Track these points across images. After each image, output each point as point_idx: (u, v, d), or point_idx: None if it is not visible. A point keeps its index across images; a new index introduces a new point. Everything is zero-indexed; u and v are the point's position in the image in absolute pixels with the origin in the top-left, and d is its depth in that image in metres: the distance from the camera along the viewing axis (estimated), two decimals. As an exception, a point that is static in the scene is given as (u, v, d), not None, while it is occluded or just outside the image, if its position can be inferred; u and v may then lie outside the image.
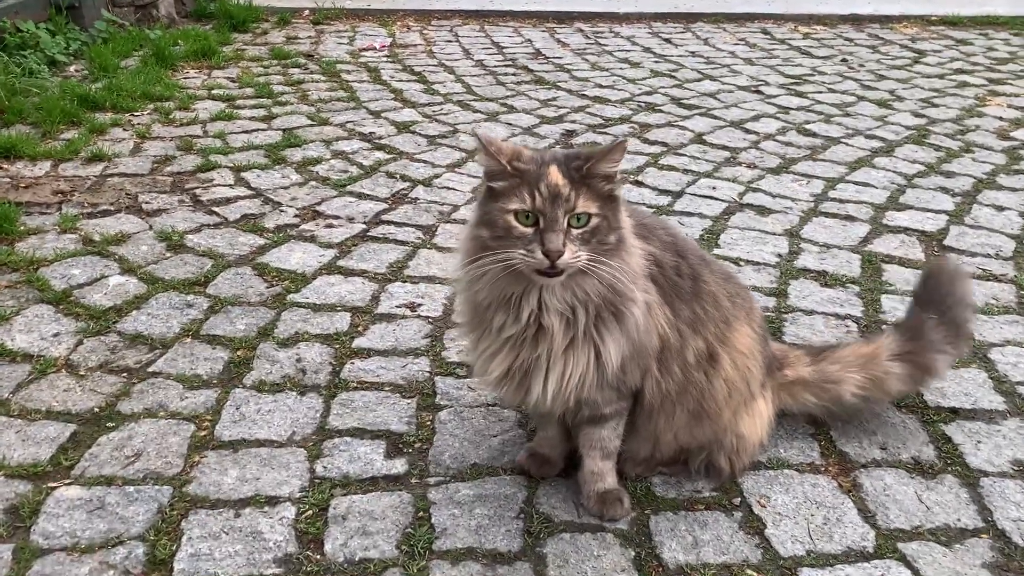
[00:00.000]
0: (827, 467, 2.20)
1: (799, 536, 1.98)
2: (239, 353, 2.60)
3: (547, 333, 1.77)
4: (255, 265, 3.10)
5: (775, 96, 5.17)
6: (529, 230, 1.67)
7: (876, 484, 2.14)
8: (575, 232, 1.67)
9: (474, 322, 1.88)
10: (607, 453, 2.01)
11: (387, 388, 2.46)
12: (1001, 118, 4.81)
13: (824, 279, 3.06)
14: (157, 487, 2.09)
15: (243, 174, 3.87)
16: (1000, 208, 3.65)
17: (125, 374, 2.50)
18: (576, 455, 2.11)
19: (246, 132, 4.37)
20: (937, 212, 3.61)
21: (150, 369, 2.53)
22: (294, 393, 2.43)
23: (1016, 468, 2.19)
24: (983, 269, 3.16)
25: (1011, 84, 5.48)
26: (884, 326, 2.69)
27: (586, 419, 1.95)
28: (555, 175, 1.67)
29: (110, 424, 2.30)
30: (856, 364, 2.22)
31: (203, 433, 2.28)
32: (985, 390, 2.47)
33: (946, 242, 3.36)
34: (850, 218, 3.55)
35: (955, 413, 2.38)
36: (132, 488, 2.08)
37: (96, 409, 2.36)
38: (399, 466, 2.17)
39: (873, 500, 2.09)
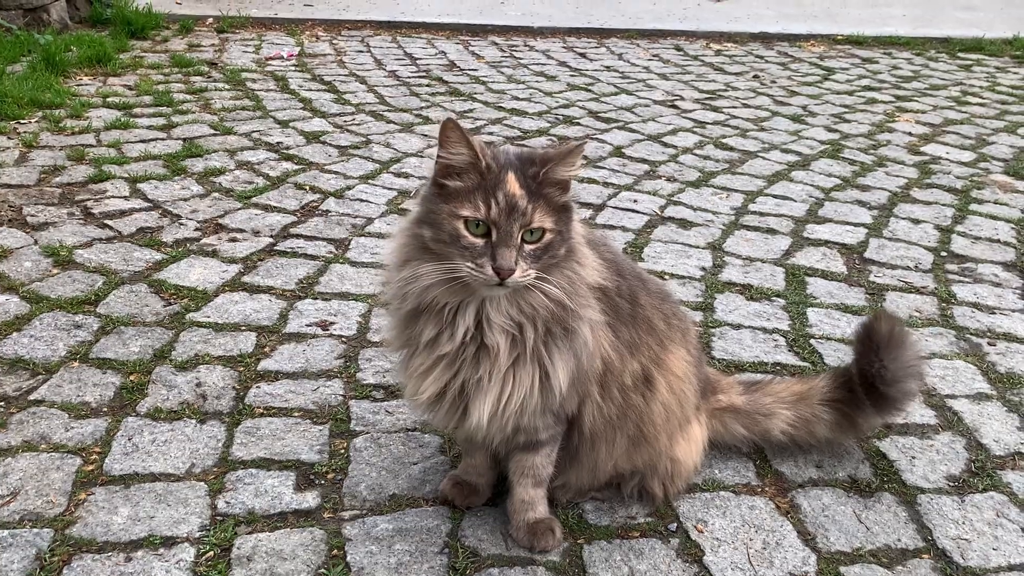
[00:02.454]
0: (763, 488, 2.11)
1: (739, 563, 1.87)
2: (132, 378, 2.38)
3: (490, 352, 1.63)
4: (151, 282, 2.87)
5: (691, 111, 5.15)
6: (479, 241, 1.53)
7: (814, 504, 2.05)
8: (527, 248, 1.54)
9: (404, 335, 1.72)
10: (539, 480, 1.88)
11: (296, 414, 2.27)
12: (911, 133, 4.89)
13: (749, 292, 3.00)
14: (36, 530, 1.86)
15: (139, 185, 3.62)
16: (916, 221, 3.67)
17: (2, 403, 2.26)
18: (503, 482, 1.97)
19: (143, 142, 4.12)
20: (856, 225, 3.61)
21: (32, 397, 2.29)
22: (193, 421, 2.23)
23: (951, 484, 2.14)
24: (904, 282, 3.14)
25: (917, 101, 5.59)
26: (820, 369, 2.61)
27: (520, 445, 1.81)
28: (513, 184, 1.52)
29: (-18, 460, 2.06)
30: (788, 400, 2.15)
31: (90, 467, 2.05)
32: (915, 404, 2.42)
33: (866, 255, 3.35)
34: (771, 231, 3.51)
35: (888, 428, 2.33)
36: (6, 532, 1.85)
37: (-34, 444, 2.11)
38: (310, 499, 1.99)
39: (812, 522, 2.00)
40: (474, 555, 1.86)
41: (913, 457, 2.23)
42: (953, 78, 6.30)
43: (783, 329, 2.78)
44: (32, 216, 3.29)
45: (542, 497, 1.90)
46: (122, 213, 3.36)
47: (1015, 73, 6.57)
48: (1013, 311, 2.97)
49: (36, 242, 3.09)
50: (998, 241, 3.52)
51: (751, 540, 1.94)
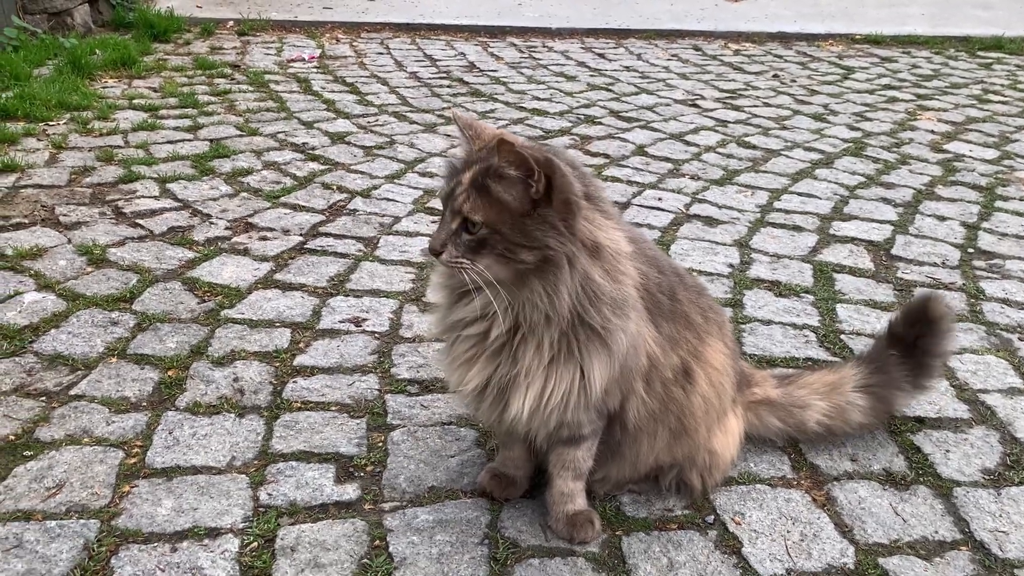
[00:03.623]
0: (799, 481, 2.12)
1: (777, 554, 1.88)
2: (170, 373, 2.41)
3: (526, 346, 1.65)
4: (185, 280, 2.90)
5: (712, 109, 5.16)
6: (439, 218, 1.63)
7: (850, 497, 2.06)
8: (465, 237, 1.56)
9: (443, 322, 1.75)
10: (579, 474, 1.89)
11: (334, 408, 2.30)
12: (933, 131, 4.88)
13: (778, 289, 3.01)
14: (83, 521, 1.89)
15: (169, 185, 3.65)
16: (942, 218, 3.67)
17: (44, 398, 2.29)
18: (540, 474, 1.99)
19: (171, 143, 4.16)
20: (881, 222, 3.61)
21: (72, 392, 2.32)
22: (232, 415, 2.25)
23: (987, 477, 2.15)
24: (932, 278, 3.15)
25: (938, 100, 5.58)
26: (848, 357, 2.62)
27: (563, 439, 1.83)
28: (467, 174, 1.57)
29: (27, 453, 2.09)
30: (822, 391, 2.17)
31: (133, 460, 2.08)
32: (948, 398, 2.43)
33: (893, 251, 3.35)
34: (797, 228, 3.52)
35: (921, 423, 2.33)
36: (54, 523, 1.88)
37: (12, 437, 2.14)
38: (351, 491, 2.01)
39: (849, 514, 2.01)
40: (514, 546, 1.88)
41: (947, 451, 2.23)
42: (974, 76, 6.29)
43: (813, 325, 2.79)
44: (64, 216, 3.33)
45: (581, 490, 1.92)
46: (153, 213, 3.40)
47: (1036, 71, 6.55)
48: (1043, 307, 2.96)
49: (70, 241, 3.13)
50: (1025, 238, 3.51)
51: (789, 532, 1.95)
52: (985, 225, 3.62)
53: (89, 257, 3.01)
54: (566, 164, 1.58)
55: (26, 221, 3.28)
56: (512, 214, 1.53)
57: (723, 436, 2.02)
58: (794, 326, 2.77)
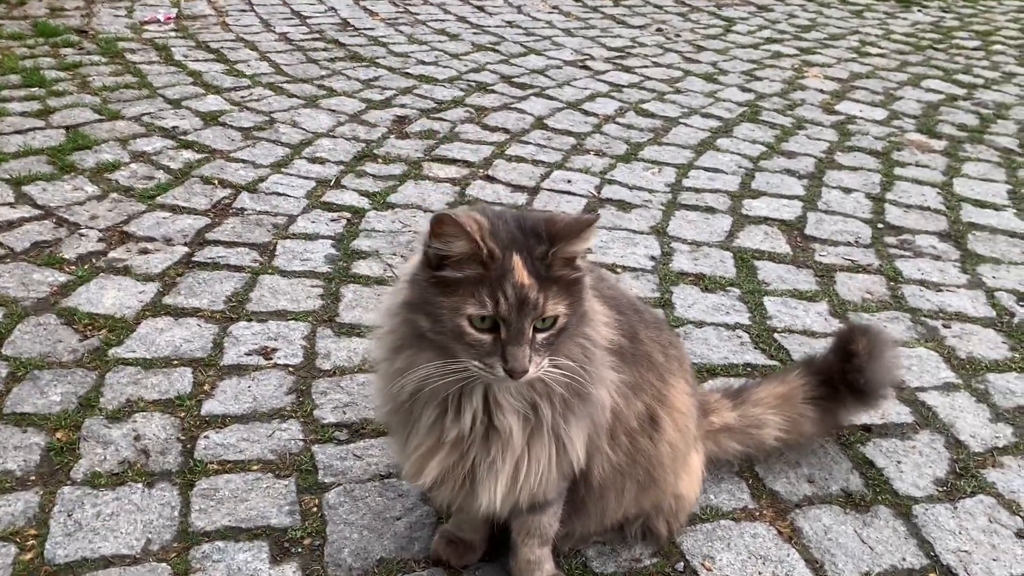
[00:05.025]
0: (762, 511, 2.04)
1: (754, 603, 1.81)
2: (59, 436, 2.11)
3: (501, 435, 1.46)
4: (60, 311, 2.55)
5: (604, 72, 5.00)
6: (487, 337, 1.35)
7: (815, 527, 2.00)
8: (540, 338, 1.37)
9: (398, 417, 1.54)
10: (545, 539, 1.75)
11: (255, 467, 2.06)
12: (822, 91, 4.89)
13: (703, 283, 2.92)
14: (-24, 646, 1.61)
15: (25, 188, 3.23)
16: (847, 190, 3.67)
17: (-94, 481, 1.96)
18: (496, 530, 1.83)
19: (19, 132, 3.68)
20: (790, 198, 3.57)
21: (-59, 471, 1.99)
22: (140, 485, 1.99)
23: (940, 489, 2.13)
24: (850, 260, 3.13)
25: (820, 53, 5.61)
26: (792, 363, 2.55)
27: (528, 507, 1.67)
28: (520, 271, 1.33)
29: None
30: (775, 405, 2.09)
31: (29, 556, 1.80)
32: (890, 400, 2.40)
33: (807, 231, 3.32)
34: (711, 210, 3.43)
35: (868, 431, 2.30)
36: (-59, 654, 1.59)
37: None
38: (291, 574, 1.80)
39: (817, 547, 1.95)
40: (481, 624, 1.72)
41: (899, 462, 2.20)
42: (848, 26, 6.36)
43: (744, 323, 2.71)
44: (-98, 234, 2.89)
45: (548, 555, 1.78)
46: (10, 224, 2.99)
47: (903, 19, 6.69)
48: (958, 287, 2.99)
49: (-88, 268, 2.71)
50: (928, 209, 3.55)
51: (760, 575, 1.87)
52: (889, 196, 3.64)
53: (-60, 287, 2.62)
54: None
55: None
56: (571, 288, 1.40)
57: (688, 477, 1.91)
58: (727, 326, 2.69)
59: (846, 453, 2.22)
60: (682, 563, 1.89)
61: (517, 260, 1.34)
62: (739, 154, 3.97)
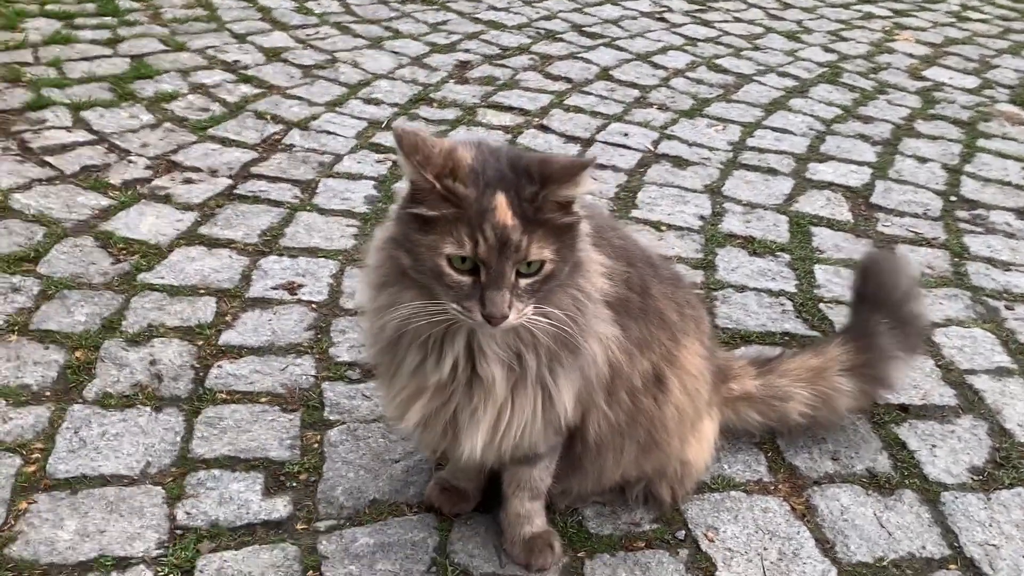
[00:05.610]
0: (777, 485, 1.94)
1: (754, 578, 1.72)
2: (78, 355, 2.13)
3: (484, 383, 1.41)
4: (98, 234, 2.58)
5: (681, 25, 4.82)
6: (466, 279, 1.29)
7: (832, 506, 1.89)
8: (524, 283, 1.30)
9: (383, 358, 1.50)
10: (536, 493, 1.69)
11: (263, 399, 2.05)
12: (912, 55, 4.61)
13: (752, 246, 2.79)
14: (-31, 551, 1.65)
15: (83, 113, 3.27)
16: (923, 160, 3.45)
17: (-71, 387, 2.01)
18: (494, 481, 1.78)
19: (87, 59, 3.73)
20: (860, 164, 3.38)
21: (-37, 380, 2.04)
22: (148, 409, 2.00)
23: (975, 478, 1.99)
24: (914, 232, 2.95)
25: (916, 17, 5.29)
26: (832, 334, 2.41)
27: (517, 459, 1.61)
28: (503, 211, 1.26)
29: (-93, 461, 1.82)
30: (804, 378, 1.97)
31: (32, 468, 1.83)
32: (934, 380, 2.26)
33: (872, 199, 3.14)
34: (772, 171, 3.28)
35: (905, 411, 2.16)
36: (-65, 555, 1.63)
37: None
38: (281, 507, 1.79)
39: (831, 527, 1.84)
40: (464, 574, 1.68)
41: (934, 446, 2.07)
42: (952, -11, 5.98)
43: (790, 291, 2.58)
44: (-38, 151, 2.96)
45: (539, 509, 1.72)
46: (64, 148, 3.04)
47: (1014, -17, 6.26)
48: (1029, 268, 2.79)
49: (-33, 184, 2.78)
50: (1009, 184, 3.31)
51: (766, 550, 1.78)
52: (968, 168, 3.41)
53: (-11, 205, 2.67)
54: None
55: (-83, 158, 2.91)
56: (563, 233, 1.32)
57: (697, 443, 1.83)
58: (770, 292, 2.56)
59: (878, 432, 2.10)
60: (683, 531, 1.81)
61: (501, 199, 1.26)
62: (812, 115, 3.77)
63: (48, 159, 2.96)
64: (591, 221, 1.52)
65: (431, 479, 1.83)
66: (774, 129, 3.62)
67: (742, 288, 2.57)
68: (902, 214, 3.06)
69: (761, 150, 3.43)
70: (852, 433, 2.08)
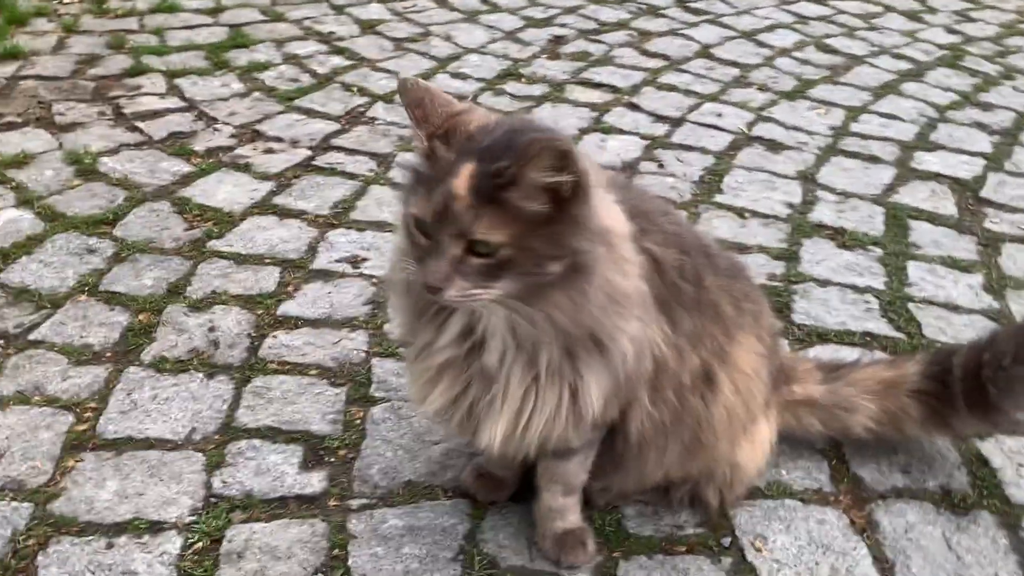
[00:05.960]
0: (838, 497, 1.81)
1: (800, 594, 1.60)
2: (141, 317, 2.17)
3: (494, 373, 1.35)
4: (175, 200, 2.63)
5: (792, 2, 4.58)
6: (423, 242, 1.24)
7: (896, 523, 1.75)
8: (475, 262, 1.20)
9: (406, 328, 1.46)
10: (570, 489, 1.62)
11: (313, 372, 2.04)
12: (1046, 38, 4.27)
13: (842, 238, 2.62)
14: (16, 504, 1.69)
15: (177, 81, 3.35)
16: (1045, 152, 3.18)
17: (1, 342, 2.08)
18: (533, 469, 1.72)
19: (188, 28, 3.82)
20: (972, 154, 3.13)
21: (32, 336, 2.10)
22: (200, 375, 2.02)
23: (1065, 504, 1.81)
24: (1025, 230, 2.72)
25: (1056, -4, 4.89)
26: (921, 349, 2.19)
27: (549, 453, 1.54)
28: (460, 181, 1.18)
29: (-30, 412, 1.89)
30: (874, 391, 1.80)
31: (83, 427, 1.87)
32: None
33: (982, 193, 2.90)
34: (873, 159, 3.07)
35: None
36: (-16, 505, 1.68)
37: (-43, 390, 1.94)
38: (316, 482, 1.77)
39: (892, 545, 1.71)
40: (492, 566, 1.63)
41: (1020, 465, 1.89)
42: (1102, -33, 5.50)
43: (877, 288, 2.41)
44: (61, 115, 3.07)
45: (573, 505, 1.64)
46: (155, 114, 3.11)
47: None
48: None
49: (61, 146, 2.87)
50: None
51: (817, 565, 1.66)
52: (1096, 163, 3.12)
53: (78, 167, 2.76)
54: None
55: (19, 120, 3.03)
56: (539, 223, 1.20)
57: (749, 446, 1.71)
58: (855, 288, 2.40)
59: (957, 446, 1.93)
60: (729, 538, 1.71)
61: (467, 169, 1.19)
62: (924, 101, 3.53)
63: (139, 124, 3.04)
64: (632, 204, 1.44)
65: (468, 466, 1.78)
66: (881, 115, 3.39)
67: (825, 283, 2.42)
68: (1015, 210, 2.82)
69: (864, 136, 3.22)
70: (928, 446, 1.92)
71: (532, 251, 1.20)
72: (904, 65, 3.86)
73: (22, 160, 2.77)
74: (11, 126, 2.98)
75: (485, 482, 1.75)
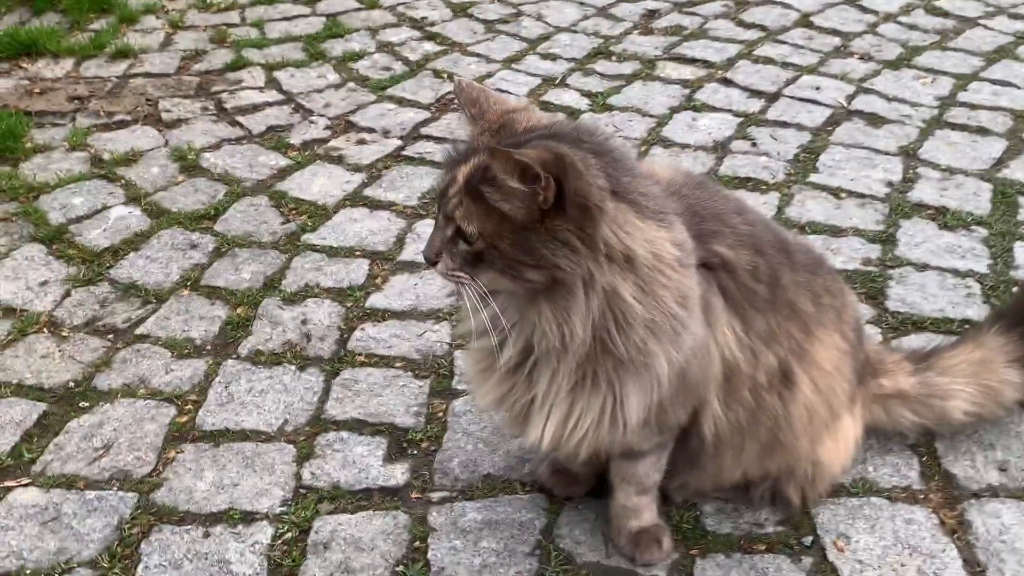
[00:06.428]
0: (927, 495, 1.75)
1: (883, 597, 1.57)
2: (239, 311, 2.27)
3: (535, 371, 1.38)
4: (273, 193, 2.72)
5: (901, -38, 4.35)
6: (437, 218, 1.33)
7: (990, 524, 1.69)
8: (461, 247, 1.26)
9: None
10: (643, 488, 1.62)
11: (398, 364, 2.10)
12: None
13: (943, 218, 2.51)
14: (121, 493, 1.81)
15: (276, 74, 3.44)
16: None
17: (110, 336, 2.21)
18: (608, 468, 1.73)
19: (286, 19, 3.92)
20: (1095, 122, 2.94)
21: (138, 331, 2.23)
22: (293, 368, 2.10)
23: None
24: None
25: None
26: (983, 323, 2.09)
27: (618, 454, 1.55)
28: (465, 169, 1.26)
29: (84, 404, 2.03)
30: (967, 374, 1.76)
31: (184, 419, 1.98)
32: None
33: (1104, 165, 2.72)
34: (982, 131, 2.92)
35: (1102, 419, 1.88)
36: (94, 494, 1.81)
37: (72, 384, 2.08)
38: (399, 474, 1.83)
39: (984, 547, 1.65)
40: (568, 561, 1.65)
41: None
42: None
43: (980, 271, 2.30)
44: (167, 111, 3.20)
45: (648, 504, 1.65)
46: (255, 108, 3.21)
47: None
48: None
49: (167, 143, 3.00)
50: None
51: (903, 566, 1.62)
52: None
53: (182, 163, 2.88)
54: (588, 154, 1.24)
55: (129, 118, 3.17)
56: (514, 227, 1.22)
57: (832, 443, 1.68)
58: (955, 272, 2.30)
59: (1061, 442, 1.84)
60: (811, 537, 1.68)
61: (476, 161, 1.25)
62: (1043, 64, 3.32)
63: (239, 119, 3.14)
64: (701, 207, 1.43)
65: (545, 461, 1.80)
66: (993, 82, 3.21)
67: (923, 267, 2.33)
68: None
69: (973, 106, 3.06)
70: (1028, 441, 1.84)
71: (501, 252, 1.23)
72: (1022, 26, 3.63)
73: (131, 158, 2.91)
74: (122, 124, 3.13)
75: (561, 478, 1.77)
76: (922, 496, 1.75)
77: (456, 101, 1.36)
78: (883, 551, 1.65)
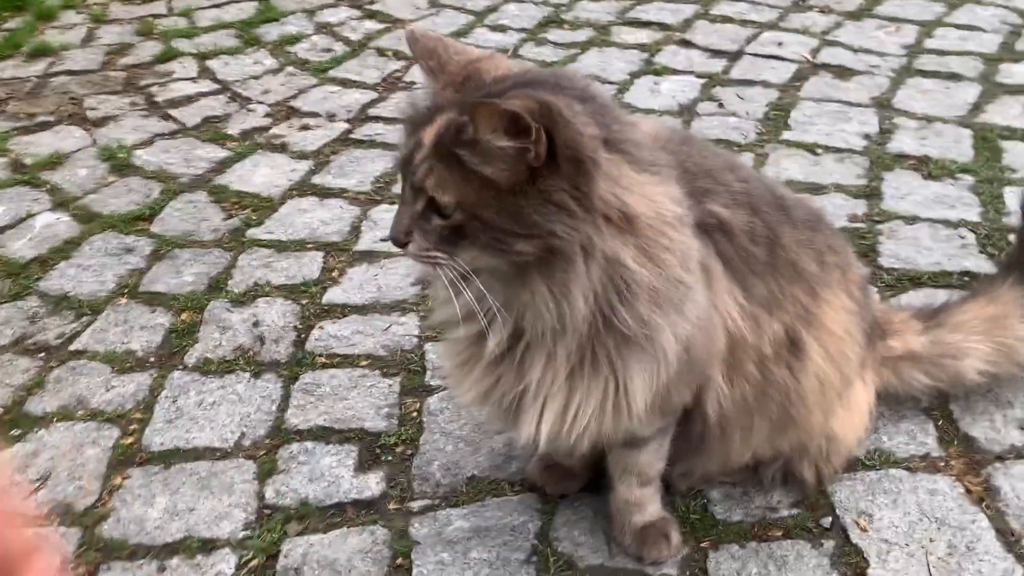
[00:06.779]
0: (948, 461, 1.62)
1: (916, 578, 1.43)
2: (184, 317, 2.07)
3: (532, 357, 1.20)
4: (212, 188, 2.52)
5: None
6: (404, 190, 1.13)
7: (1019, 488, 1.56)
8: (436, 222, 1.07)
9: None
10: (646, 479, 1.46)
11: (363, 363, 1.91)
12: None
13: (927, 168, 2.39)
14: (63, 528, 1.61)
15: (209, 63, 3.23)
16: None
17: (42, 355, 2.00)
18: (605, 457, 1.57)
19: (216, 6, 3.69)
20: (1067, 60, 2.85)
21: (73, 346, 2.01)
22: (247, 375, 1.91)
23: None
24: None
25: None
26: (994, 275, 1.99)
27: (619, 442, 1.39)
28: (431, 129, 1.07)
29: (15, 432, 1.81)
30: (981, 330, 1.63)
31: (129, 441, 1.78)
32: None
33: (1082, 103, 2.63)
34: (954, 76, 2.81)
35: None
36: (31, 532, 1.60)
37: (0, 410, 1.86)
38: (374, 484, 1.65)
39: (1017, 514, 1.52)
40: (569, 566, 1.49)
41: None
42: None
43: (972, 220, 2.18)
44: (93, 109, 2.97)
45: (652, 495, 1.49)
46: (188, 100, 3.00)
47: None
48: None
49: (95, 142, 2.78)
50: None
51: (932, 542, 1.49)
52: None
53: (112, 163, 2.66)
54: (573, 100, 1.07)
55: (52, 119, 2.94)
56: (498, 192, 1.04)
57: (846, 414, 1.54)
58: (947, 223, 2.18)
59: (1083, 394, 1.72)
60: (830, 518, 1.54)
61: (444, 117, 1.07)
62: (1007, 7, 3.23)
63: (172, 112, 2.93)
64: (692, 163, 1.27)
65: (535, 457, 1.64)
66: (959, 27, 3.11)
67: (913, 219, 2.20)
68: (1121, 119, 2.54)
69: (942, 52, 2.95)
70: (1048, 395, 1.72)
71: (486, 222, 1.05)
72: (981, -31, 3.54)
73: (56, 160, 2.68)
74: (44, 125, 2.90)
75: (553, 473, 1.61)
76: (943, 464, 1.62)
77: (412, 53, 1.17)
78: (909, 527, 1.51)
